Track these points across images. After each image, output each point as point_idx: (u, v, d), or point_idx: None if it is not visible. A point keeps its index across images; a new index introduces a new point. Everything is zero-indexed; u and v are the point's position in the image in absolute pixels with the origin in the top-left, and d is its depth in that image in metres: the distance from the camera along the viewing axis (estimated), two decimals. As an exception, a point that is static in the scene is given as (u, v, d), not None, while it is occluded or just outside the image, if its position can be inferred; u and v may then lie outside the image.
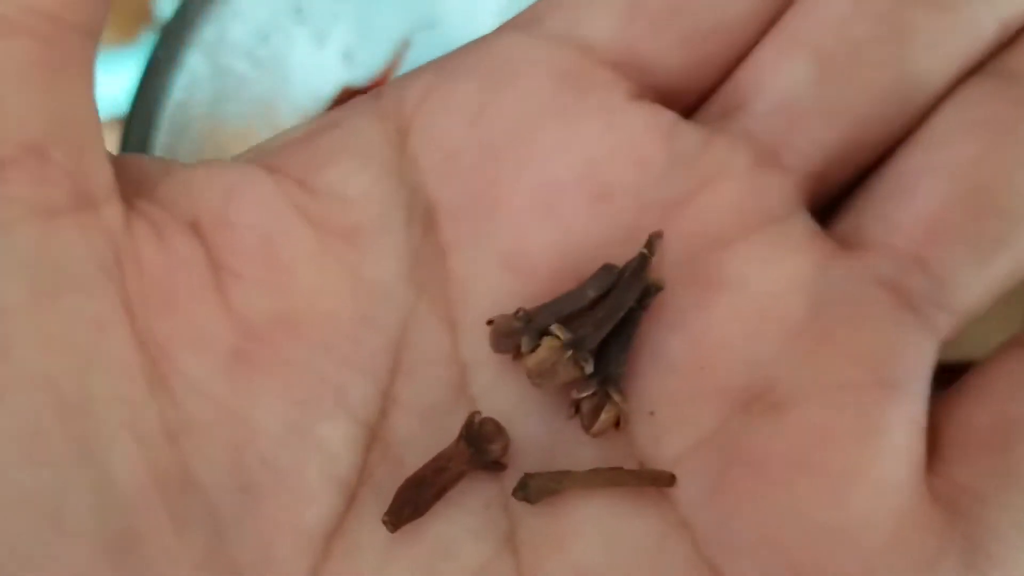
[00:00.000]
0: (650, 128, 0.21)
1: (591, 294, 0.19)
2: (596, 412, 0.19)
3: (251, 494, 0.18)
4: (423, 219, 0.20)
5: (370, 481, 0.19)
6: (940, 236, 0.19)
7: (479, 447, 0.19)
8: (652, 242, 0.19)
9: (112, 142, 0.30)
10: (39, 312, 0.17)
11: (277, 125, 0.34)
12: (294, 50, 0.35)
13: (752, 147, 0.21)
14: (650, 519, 0.19)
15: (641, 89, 0.21)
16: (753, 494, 0.18)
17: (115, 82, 0.33)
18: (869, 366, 0.19)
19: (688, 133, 0.21)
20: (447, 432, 0.19)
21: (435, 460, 0.19)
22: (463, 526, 0.19)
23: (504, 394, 0.19)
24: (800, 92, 0.21)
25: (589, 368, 0.19)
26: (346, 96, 0.34)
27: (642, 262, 0.19)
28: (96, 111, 0.18)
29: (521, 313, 0.19)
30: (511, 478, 0.19)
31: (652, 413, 0.19)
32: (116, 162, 0.19)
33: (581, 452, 0.19)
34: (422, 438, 0.19)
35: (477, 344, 0.20)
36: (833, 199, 0.21)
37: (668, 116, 0.21)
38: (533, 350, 0.19)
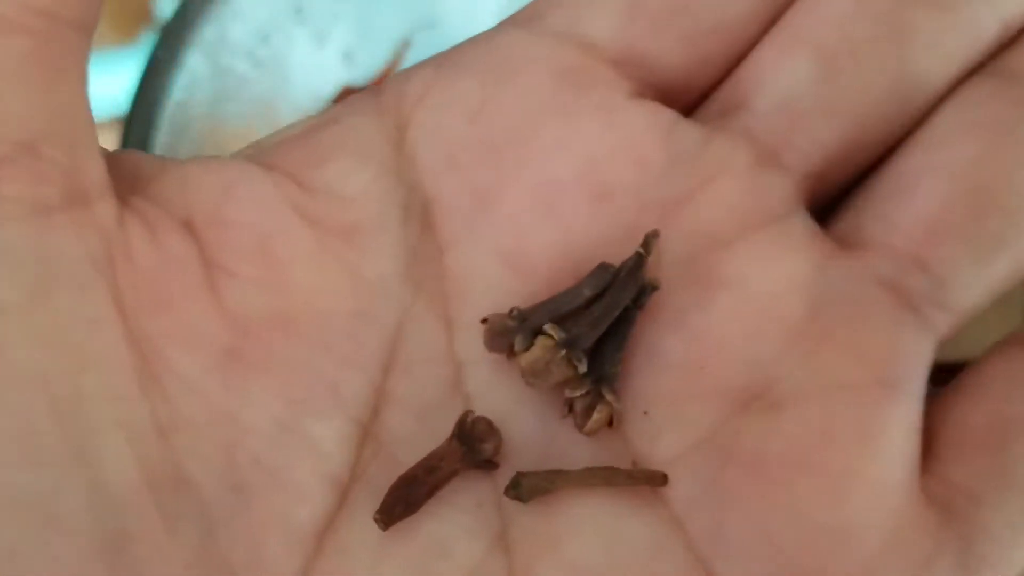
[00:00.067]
0: (650, 127, 0.21)
1: (587, 293, 0.19)
2: (589, 411, 0.19)
3: (243, 493, 0.18)
4: (421, 217, 0.20)
5: (363, 479, 0.19)
6: (940, 236, 0.19)
7: (471, 446, 0.18)
8: (648, 241, 0.19)
9: (112, 142, 0.31)
10: (32, 310, 0.17)
11: (277, 125, 0.34)
12: (294, 50, 0.35)
13: (752, 146, 0.20)
14: (644, 519, 0.19)
15: (641, 87, 0.21)
16: (749, 494, 0.18)
17: (115, 82, 0.33)
18: (868, 366, 0.19)
19: (688, 132, 0.21)
20: (441, 430, 0.19)
21: (427, 458, 0.18)
22: (456, 524, 0.18)
23: (499, 393, 0.19)
24: (800, 91, 0.21)
25: (583, 367, 0.19)
26: (346, 96, 0.34)
27: (638, 261, 0.19)
28: (89, 108, 0.18)
29: (515, 312, 0.19)
30: (504, 477, 0.19)
31: (646, 412, 0.19)
32: (110, 159, 0.19)
33: (575, 451, 0.19)
34: (416, 436, 0.19)
35: (473, 342, 0.19)
36: (833, 199, 0.21)
37: (668, 115, 0.21)
38: (527, 349, 0.19)
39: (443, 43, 0.22)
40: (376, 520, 0.18)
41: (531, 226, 0.20)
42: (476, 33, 0.22)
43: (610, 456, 0.19)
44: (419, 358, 0.19)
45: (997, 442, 0.19)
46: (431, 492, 0.18)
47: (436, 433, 0.19)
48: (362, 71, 0.35)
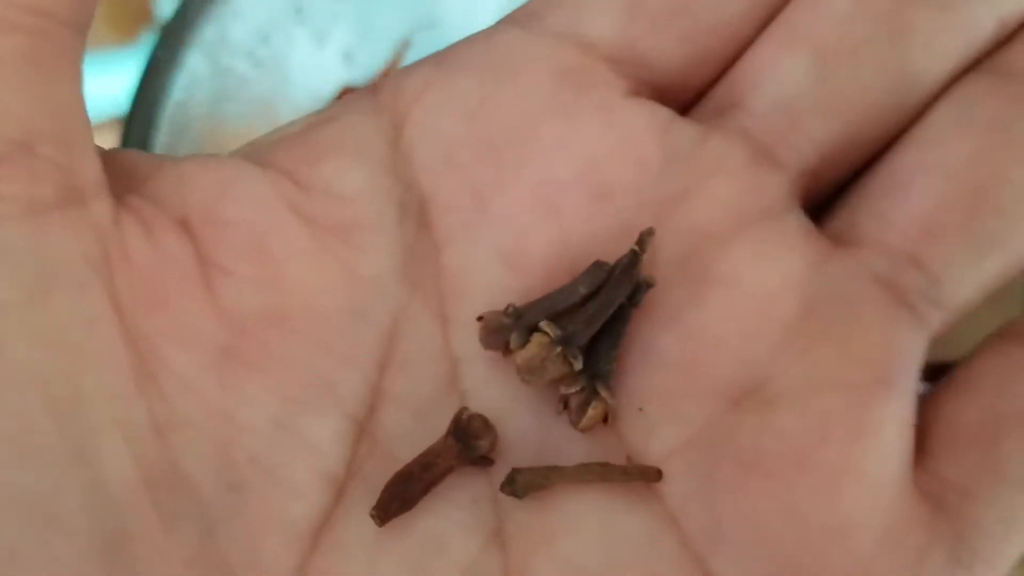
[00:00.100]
0: (647, 126, 0.21)
1: (582, 291, 0.19)
2: (584, 408, 0.19)
3: (240, 491, 0.18)
4: (417, 215, 0.20)
5: (359, 476, 0.19)
6: (935, 233, 0.19)
7: (467, 442, 0.19)
8: (643, 239, 0.19)
9: (112, 142, 0.31)
10: (29, 309, 0.17)
11: (277, 125, 0.34)
12: (294, 50, 0.35)
13: (748, 144, 0.21)
14: (639, 514, 0.19)
15: (638, 86, 0.21)
16: (744, 490, 0.18)
17: (115, 82, 0.33)
18: (862, 363, 0.19)
19: (684, 131, 0.21)
20: (437, 427, 0.19)
21: (423, 455, 0.19)
22: (452, 520, 0.19)
23: (495, 390, 0.19)
24: (796, 90, 0.21)
25: (578, 364, 0.19)
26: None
27: (633, 259, 0.19)
28: (84, 106, 0.18)
29: (511, 309, 0.19)
30: (500, 473, 0.19)
31: (641, 409, 0.19)
32: (106, 158, 0.19)
33: (571, 448, 0.19)
34: (412, 433, 0.19)
35: (469, 340, 0.20)
36: (828, 197, 0.21)
37: (665, 113, 0.21)
38: (523, 346, 0.19)
39: (443, 43, 0.22)
40: (372, 516, 0.18)
41: (528, 225, 0.20)
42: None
43: (605, 452, 0.19)
44: (415, 355, 0.19)
45: (989, 438, 0.19)
46: (427, 488, 0.18)
47: (432, 430, 0.19)
48: (362, 71, 0.35)
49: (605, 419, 0.19)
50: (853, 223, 0.20)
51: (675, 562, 0.18)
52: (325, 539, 0.18)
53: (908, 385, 0.19)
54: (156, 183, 0.19)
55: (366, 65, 0.36)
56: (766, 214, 0.20)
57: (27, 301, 0.17)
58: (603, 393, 0.19)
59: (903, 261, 0.19)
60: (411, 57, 0.35)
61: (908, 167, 0.20)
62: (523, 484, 0.18)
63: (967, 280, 0.19)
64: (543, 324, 0.19)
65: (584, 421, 0.19)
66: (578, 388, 0.19)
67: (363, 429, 0.19)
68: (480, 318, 0.19)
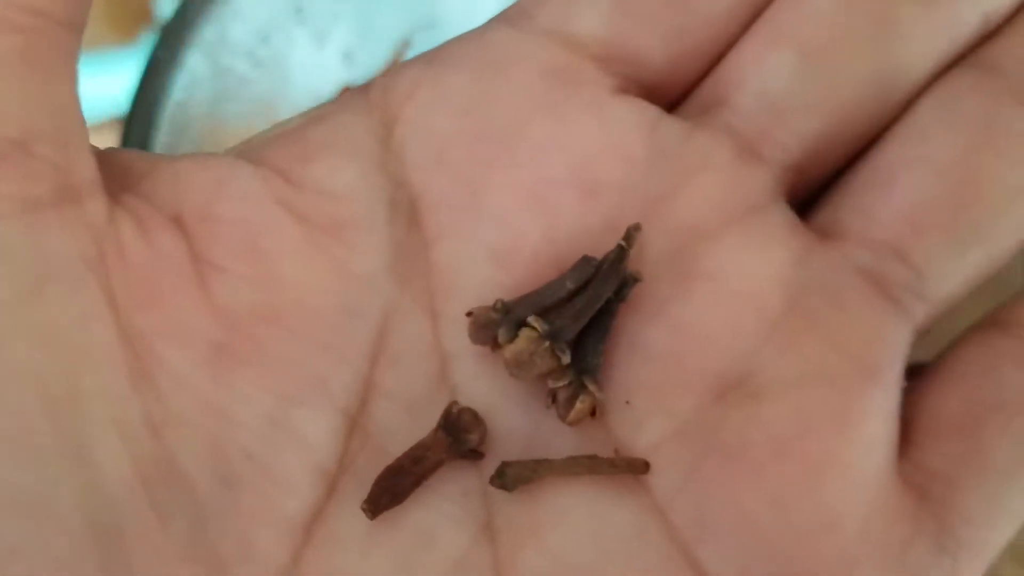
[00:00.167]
0: (634, 123, 0.21)
1: (569, 286, 0.20)
2: (572, 401, 0.19)
3: (233, 486, 0.18)
4: (408, 212, 0.20)
5: (351, 470, 0.19)
6: (918, 227, 0.20)
7: (457, 436, 0.19)
8: (631, 234, 0.20)
9: (112, 142, 0.31)
10: (25, 307, 0.17)
11: (276, 125, 0.34)
12: (294, 50, 0.35)
13: (733, 141, 0.21)
14: (627, 507, 0.19)
15: (625, 83, 0.21)
16: (730, 481, 0.19)
17: (115, 82, 0.34)
18: (847, 354, 0.19)
19: (670, 127, 0.21)
20: (427, 421, 0.19)
21: (414, 449, 0.19)
22: (442, 513, 0.19)
23: (484, 384, 0.20)
24: (781, 87, 0.21)
25: (566, 358, 0.19)
26: (345, 96, 0.34)
27: (620, 254, 0.20)
28: (80, 106, 0.19)
29: (500, 304, 0.19)
30: (490, 467, 0.19)
31: (629, 402, 0.19)
32: (101, 157, 0.19)
33: (559, 441, 0.19)
34: (403, 427, 0.19)
35: (459, 335, 0.20)
36: (813, 192, 0.22)
37: (652, 111, 0.21)
38: (511, 341, 0.19)
39: (443, 43, 0.22)
40: (363, 510, 0.18)
41: (517, 221, 0.20)
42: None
43: (593, 446, 0.19)
44: (406, 351, 0.20)
45: (971, 427, 0.19)
46: (418, 482, 0.19)
47: (423, 424, 0.19)
48: (362, 71, 0.36)
49: (593, 412, 0.19)
50: (838, 218, 0.20)
51: (663, 553, 0.19)
52: (317, 533, 0.18)
53: (892, 377, 0.19)
54: (151, 182, 0.20)
55: (366, 65, 0.36)
56: (751, 209, 0.20)
57: (23, 299, 0.17)
58: (591, 387, 0.19)
59: (887, 254, 0.20)
60: (411, 57, 0.35)
61: (893, 162, 0.20)
62: (512, 477, 0.19)
63: (951, 273, 0.20)
64: (531, 319, 0.19)
65: (572, 415, 0.19)
66: (566, 382, 0.19)
67: (355, 423, 0.19)
68: (469, 313, 0.19)
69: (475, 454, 0.19)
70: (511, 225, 0.20)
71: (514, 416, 0.20)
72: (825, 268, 0.20)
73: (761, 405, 0.19)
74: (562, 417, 0.19)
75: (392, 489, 0.18)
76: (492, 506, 0.19)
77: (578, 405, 0.19)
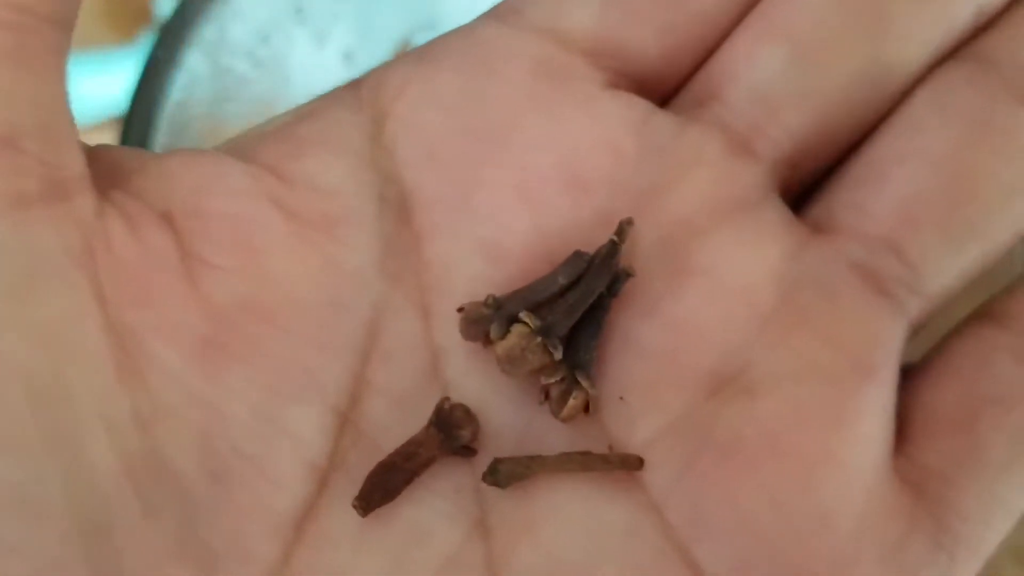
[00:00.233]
0: (625, 118, 0.21)
1: (561, 281, 0.20)
2: (564, 397, 0.19)
3: (223, 481, 0.18)
4: (398, 208, 0.20)
5: (342, 466, 0.19)
6: (913, 221, 0.20)
7: (449, 432, 0.19)
8: (622, 229, 0.20)
9: (111, 142, 0.31)
10: (13, 303, 0.17)
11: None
12: (294, 50, 0.35)
13: (725, 135, 0.21)
14: (621, 503, 0.19)
15: (616, 78, 0.21)
16: (725, 478, 0.19)
17: (115, 82, 0.34)
18: (841, 350, 0.19)
19: (662, 122, 0.21)
20: (419, 417, 0.19)
21: (406, 445, 0.19)
22: (435, 510, 0.19)
23: (476, 380, 0.20)
24: (773, 81, 0.21)
25: (558, 354, 0.19)
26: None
27: (612, 249, 0.19)
28: (69, 102, 0.18)
29: (491, 300, 0.19)
30: (482, 463, 0.19)
31: (622, 398, 0.19)
32: (90, 153, 0.19)
33: (552, 437, 0.19)
34: (394, 423, 0.19)
35: (450, 331, 0.20)
36: (806, 186, 0.21)
37: (643, 106, 0.21)
38: (503, 337, 0.19)
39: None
40: (355, 506, 0.18)
41: (509, 216, 0.20)
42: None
43: (586, 442, 0.19)
44: (397, 347, 0.20)
45: (967, 422, 0.19)
46: (410, 479, 0.19)
47: (415, 420, 0.19)
48: (362, 71, 0.35)
49: (586, 408, 0.19)
50: (831, 212, 0.20)
51: (658, 550, 0.19)
52: (309, 529, 0.18)
53: (887, 372, 0.19)
54: (140, 178, 0.19)
55: (366, 65, 0.35)
56: (744, 204, 0.20)
57: (10, 294, 0.17)
58: (584, 383, 0.19)
59: (881, 249, 0.19)
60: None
61: (886, 156, 0.20)
62: (505, 474, 0.19)
63: (946, 268, 0.19)
64: (523, 314, 0.19)
65: (565, 411, 0.19)
66: (559, 378, 0.19)
67: (346, 420, 0.19)
68: (460, 309, 0.19)
69: (467, 451, 0.19)
70: (502, 220, 0.20)
71: (507, 412, 0.19)
72: (819, 263, 0.20)
73: (755, 401, 0.19)
74: (555, 413, 0.19)
75: (384, 486, 0.18)
76: (485, 503, 0.19)
77: (571, 401, 0.19)
